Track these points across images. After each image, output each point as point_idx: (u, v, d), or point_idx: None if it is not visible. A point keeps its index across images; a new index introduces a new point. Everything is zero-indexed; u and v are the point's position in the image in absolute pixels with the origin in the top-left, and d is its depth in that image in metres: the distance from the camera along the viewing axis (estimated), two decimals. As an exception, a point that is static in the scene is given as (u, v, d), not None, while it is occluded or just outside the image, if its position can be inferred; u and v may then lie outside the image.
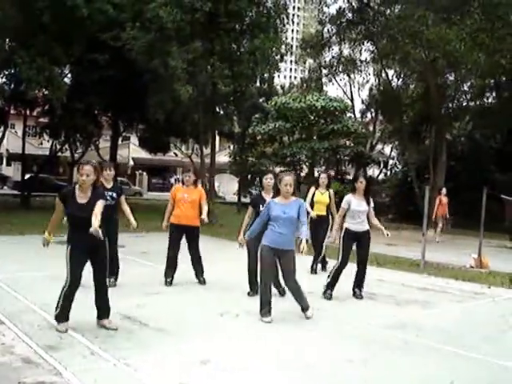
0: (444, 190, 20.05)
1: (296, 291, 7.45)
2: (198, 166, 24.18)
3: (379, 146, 47.49)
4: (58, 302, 6.36)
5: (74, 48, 21.85)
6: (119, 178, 34.06)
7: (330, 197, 11.36)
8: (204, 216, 9.23)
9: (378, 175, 43.66)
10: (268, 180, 8.70)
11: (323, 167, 35.08)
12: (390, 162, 42.80)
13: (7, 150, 49.95)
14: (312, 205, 11.35)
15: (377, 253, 14.28)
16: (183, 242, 9.46)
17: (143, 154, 51.58)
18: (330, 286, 8.81)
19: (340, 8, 27.99)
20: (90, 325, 6.47)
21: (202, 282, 9.49)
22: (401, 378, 5.45)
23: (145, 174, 59.43)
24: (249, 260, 8.70)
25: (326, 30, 29.78)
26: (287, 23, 23.98)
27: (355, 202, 8.70)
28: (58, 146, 33.42)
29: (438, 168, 26.31)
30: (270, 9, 22.60)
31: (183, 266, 9.46)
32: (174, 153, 46.84)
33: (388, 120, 38.21)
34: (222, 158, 43.12)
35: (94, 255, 6.34)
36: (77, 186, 6.26)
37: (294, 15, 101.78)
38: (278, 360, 5.72)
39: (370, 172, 45.09)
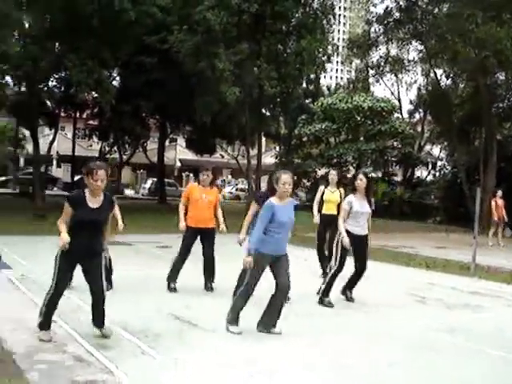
0: (500, 193, 19.53)
1: (287, 290, 6.75)
2: (244, 167, 24.24)
3: (428, 147, 46.85)
4: (42, 309, 6.07)
5: (121, 51, 22.17)
6: (166, 180, 34.46)
7: (340, 196, 10.61)
8: (223, 226, 8.91)
9: (427, 176, 43.05)
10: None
11: (370, 168, 34.80)
12: (439, 163, 42.14)
13: (57, 152, 50.96)
14: (322, 204, 10.74)
15: (426, 256, 14.11)
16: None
17: (190, 156, 52.05)
18: (326, 292, 8.18)
19: (387, 7, 27.73)
20: (140, 324, 6.53)
21: (209, 288, 8.97)
22: (447, 382, 5.34)
23: (191, 175, 59.97)
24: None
25: (372, 29, 29.52)
26: (334, 23, 23.97)
27: (357, 204, 8.11)
28: (107, 148, 33.99)
29: (489, 169, 25.77)
30: (316, 9, 22.58)
31: (226, 264, 9.36)
32: (221, 154, 47.13)
33: (436, 120, 37.61)
34: (268, 159, 43.18)
35: (89, 262, 6.02)
36: (87, 191, 5.94)
37: (340, 15, 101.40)
38: (326, 359, 5.68)
39: (418, 173, 44.55)
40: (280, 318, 6.61)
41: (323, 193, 10.79)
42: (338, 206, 10.63)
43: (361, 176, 8.20)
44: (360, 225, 8.16)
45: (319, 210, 10.74)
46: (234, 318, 6.58)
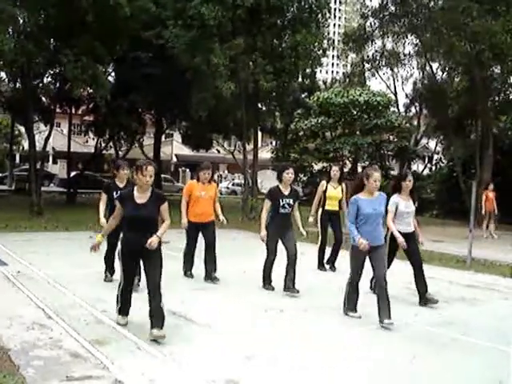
0: (491, 186, 19.65)
1: (384, 292, 6.96)
2: (240, 162, 24.23)
3: (424, 141, 46.85)
4: (117, 296, 6.43)
5: (116, 46, 22.11)
6: (163, 175, 34.46)
7: (342, 191, 10.71)
8: (222, 217, 9.37)
9: (423, 170, 43.07)
10: (290, 174, 8.61)
11: (367, 162, 34.85)
12: (435, 156, 42.18)
13: (53, 148, 50.91)
14: (324, 200, 10.71)
15: (422, 249, 14.11)
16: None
17: (186, 151, 52.03)
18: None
19: (383, 1, 27.65)
20: (137, 320, 6.53)
21: (214, 278, 9.17)
22: (446, 376, 5.35)
23: (188, 170, 59.90)
24: (267, 256, 8.68)
25: (368, 23, 29.44)
26: (329, 18, 23.87)
27: (403, 204, 8.13)
28: (103, 144, 33.92)
29: (485, 163, 25.79)
30: (311, 3, 22.47)
31: (222, 260, 9.44)
32: (217, 149, 47.07)
33: (433, 114, 37.58)
34: (265, 154, 43.21)
35: (147, 260, 6.12)
36: (136, 187, 6.12)
37: (335, 9, 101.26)
38: (320, 355, 5.69)
39: (414, 167, 44.57)
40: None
41: (326, 189, 10.74)
42: (340, 202, 10.76)
43: (410, 177, 8.25)
44: (405, 222, 8.18)
45: (322, 206, 10.72)
46: (351, 308, 7.28)
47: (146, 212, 6.02)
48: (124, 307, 6.42)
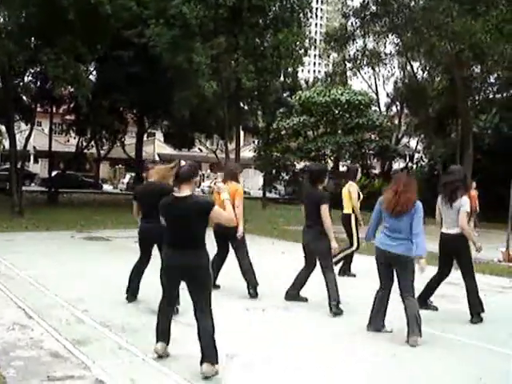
0: (474, 184, 19.86)
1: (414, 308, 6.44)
2: (222, 161, 24.26)
3: (405, 140, 47.16)
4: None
5: (98, 45, 22.00)
6: (144, 175, 34.39)
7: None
8: None
9: (404, 169, 43.33)
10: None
11: (348, 161, 35.01)
12: (416, 155, 42.45)
13: (34, 147, 50.53)
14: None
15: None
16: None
17: (168, 150, 51.87)
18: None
19: (364, 1, 27.76)
20: (118, 319, 6.52)
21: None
22: (425, 373, 5.41)
23: (171, 169, 59.68)
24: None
25: (349, 23, 29.54)
26: (311, 17, 24.04)
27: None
28: (85, 143, 33.74)
29: (465, 161, 25.99)
30: (293, 3, 22.59)
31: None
32: (199, 148, 47.03)
33: (413, 113, 37.90)
34: (247, 153, 43.18)
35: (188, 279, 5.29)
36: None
37: (317, 9, 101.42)
38: (300, 354, 5.73)
39: (395, 166, 44.81)
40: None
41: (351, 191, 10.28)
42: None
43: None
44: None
45: (353, 210, 10.24)
46: None
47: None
48: (157, 332, 5.50)
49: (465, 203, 7.28)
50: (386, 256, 6.46)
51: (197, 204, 5.09)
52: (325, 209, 7.34)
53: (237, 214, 7.47)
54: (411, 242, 6.23)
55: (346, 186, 10.34)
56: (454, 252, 7.68)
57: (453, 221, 7.47)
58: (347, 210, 10.27)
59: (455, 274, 10.01)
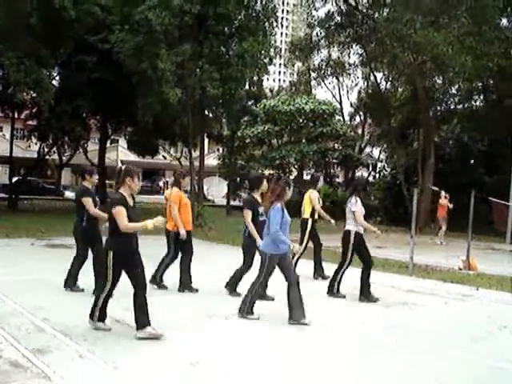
0: (443, 193, 20.36)
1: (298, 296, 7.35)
2: (186, 168, 24.17)
3: (368, 149, 47.69)
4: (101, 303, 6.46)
5: (61, 50, 21.77)
6: (107, 181, 34.04)
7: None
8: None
9: (367, 178, 43.79)
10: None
11: (312, 170, 35.22)
12: (379, 164, 42.97)
13: (-6, 152, 49.63)
14: (314, 210, 10.97)
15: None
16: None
17: (132, 157, 51.36)
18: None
19: (329, 11, 28.12)
20: (79, 327, 6.43)
21: (193, 290, 9.13)
22: (386, 379, 5.45)
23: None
24: (244, 264, 8.75)
25: (314, 33, 29.90)
26: (276, 26, 24.06)
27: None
28: (46, 149, 33.26)
29: (427, 171, 26.40)
30: (258, 12, 22.65)
31: (170, 267, 9.36)
32: (163, 156, 46.75)
33: (376, 123, 38.40)
34: (211, 161, 43.12)
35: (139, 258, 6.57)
36: (127, 194, 6.42)
37: (282, 18, 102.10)
38: (264, 360, 5.72)
39: (358, 174, 45.26)
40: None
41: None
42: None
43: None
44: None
45: (311, 215, 10.92)
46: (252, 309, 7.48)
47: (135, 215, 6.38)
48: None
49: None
50: None
51: None
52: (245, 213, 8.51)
53: (173, 217, 8.94)
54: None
55: (308, 193, 11.01)
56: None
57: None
58: (306, 215, 10.96)
59: (418, 282, 10.12)
